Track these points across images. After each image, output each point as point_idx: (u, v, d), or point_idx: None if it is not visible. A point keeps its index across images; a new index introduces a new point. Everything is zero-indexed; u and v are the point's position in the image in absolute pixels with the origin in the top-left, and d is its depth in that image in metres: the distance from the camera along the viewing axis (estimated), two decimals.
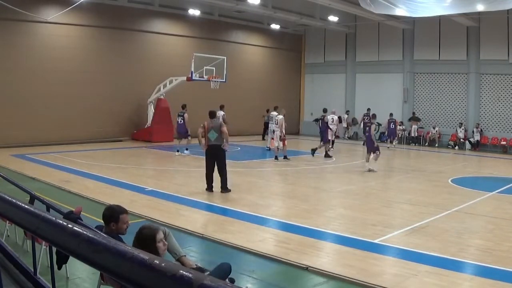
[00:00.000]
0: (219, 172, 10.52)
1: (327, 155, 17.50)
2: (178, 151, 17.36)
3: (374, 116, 16.37)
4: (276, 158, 16.29)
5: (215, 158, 10.46)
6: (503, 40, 21.93)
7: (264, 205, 9.63)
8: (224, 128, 10.39)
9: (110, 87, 21.00)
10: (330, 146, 20.82)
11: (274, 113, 17.90)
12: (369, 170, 14.14)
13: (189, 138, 17.51)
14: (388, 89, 26.10)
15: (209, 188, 10.64)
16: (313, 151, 17.52)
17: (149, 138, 21.29)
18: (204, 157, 10.79)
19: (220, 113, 18.76)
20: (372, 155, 14.37)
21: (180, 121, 17.76)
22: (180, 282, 1.08)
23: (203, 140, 10.56)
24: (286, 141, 16.57)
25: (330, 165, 16.05)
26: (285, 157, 16.38)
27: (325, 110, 18.27)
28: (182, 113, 17.71)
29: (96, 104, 20.49)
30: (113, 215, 4.10)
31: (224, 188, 10.56)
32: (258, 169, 14.50)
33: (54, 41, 19.29)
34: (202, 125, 10.61)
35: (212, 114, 10.78)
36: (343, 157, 18.17)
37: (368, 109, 24.12)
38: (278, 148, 16.49)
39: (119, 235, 4.13)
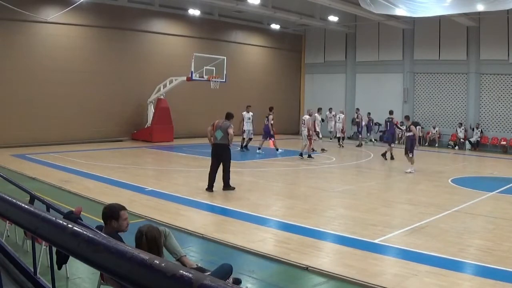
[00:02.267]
0: (223, 170, 10.69)
1: (384, 156, 17.52)
2: (277, 150, 18.53)
3: (408, 117, 15.92)
4: (300, 155, 16.91)
5: (220, 157, 10.64)
6: (503, 40, 21.92)
7: (264, 205, 9.63)
8: (231, 130, 10.58)
9: (110, 87, 20.99)
10: (341, 144, 21.10)
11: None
12: (410, 172, 14.21)
13: (271, 139, 18.84)
14: (388, 89, 26.09)
15: (210, 187, 10.69)
16: (391, 157, 17.41)
17: (149, 138, 21.29)
18: (207, 157, 10.89)
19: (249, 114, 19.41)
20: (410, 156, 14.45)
21: (265, 122, 19.28)
22: (180, 282, 1.08)
23: (212, 138, 10.81)
24: (312, 141, 17.17)
25: (330, 165, 16.06)
26: (309, 156, 16.87)
27: (391, 112, 18.45)
28: (268, 115, 18.90)
29: (96, 104, 20.48)
30: (114, 213, 4.17)
31: (226, 186, 10.74)
32: (258, 169, 14.49)
33: (54, 41, 19.29)
34: (212, 123, 10.85)
35: (228, 116, 10.91)
36: (343, 157, 18.17)
37: (357, 109, 24.19)
38: (305, 146, 17.02)
39: (119, 235, 4.14)
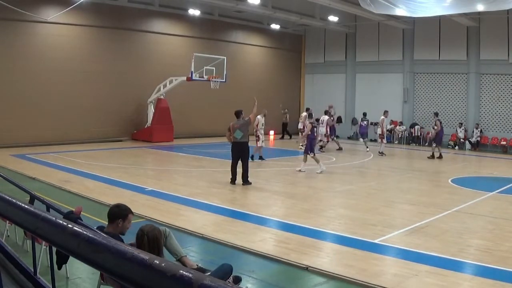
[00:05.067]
0: (242, 166, 11.43)
1: (433, 156, 18.09)
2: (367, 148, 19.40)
3: (311, 115, 15.64)
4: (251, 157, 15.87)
5: (241, 153, 11.49)
6: (503, 40, 21.92)
7: (264, 205, 9.63)
8: (252, 116, 11.76)
9: (110, 87, 20.99)
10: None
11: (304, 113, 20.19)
12: (321, 171, 13.79)
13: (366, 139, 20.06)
14: (388, 89, 26.09)
15: (233, 181, 11.48)
16: (440, 156, 18.07)
17: (149, 138, 21.29)
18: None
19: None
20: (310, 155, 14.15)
21: (364, 124, 21.08)
22: (180, 282, 1.08)
23: (231, 138, 11.70)
24: (259, 142, 16.19)
25: (330, 165, 16.04)
26: (259, 157, 16.16)
27: (436, 114, 18.97)
28: (366, 118, 20.65)
29: (96, 104, 20.48)
30: (122, 212, 4.18)
31: (245, 181, 11.44)
32: (258, 169, 14.47)
33: (54, 41, 19.29)
34: (228, 128, 11.69)
35: (237, 114, 11.68)
36: (343, 157, 18.17)
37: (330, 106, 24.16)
38: (261, 147, 16.27)
39: (120, 236, 4.14)
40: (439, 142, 18.47)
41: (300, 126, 20.76)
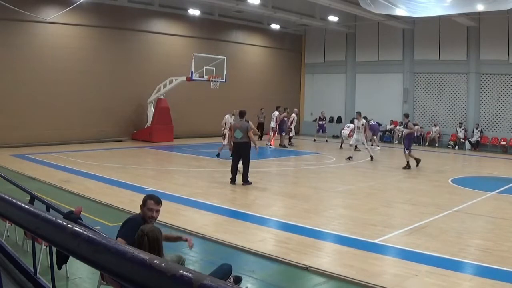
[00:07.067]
0: (243, 167, 11.49)
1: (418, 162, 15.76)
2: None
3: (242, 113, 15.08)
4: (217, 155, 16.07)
5: (241, 153, 11.53)
6: (503, 40, 21.93)
7: (264, 205, 9.63)
8: (251, 134, 11.62)
9: (110, 87, 20.99)
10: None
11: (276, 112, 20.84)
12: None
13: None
14: (388, 89, 26.10)
15: (233, 180, 11.52)
16: (418, 162, 15.69)
17: (149, 138, 21.29)
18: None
19: (275, 113, 21.17)
20: None
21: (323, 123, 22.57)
22: (180, 282, 1.08)
23: (232, 138, 11.79)
24: (224, 141, 15.82)
25: (330, 165, 16.05)
26: (217, 155, 16.11)
27: (407, 115, 16.54)
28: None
29: (96, 104, 20.48)
30: (144, 199, 4.56)
31: (245, 181, 11.47)
32: (258, 169, 14.47)
33: (54, 41, 19.28)
34: (229, 127, 11.85)
35: (241, 114, 11.87)
36: (343, 157, 18.15)
37: (322, 112, 25.73)
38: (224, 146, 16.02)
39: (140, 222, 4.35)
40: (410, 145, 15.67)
41: (273, 125, 20.88)
